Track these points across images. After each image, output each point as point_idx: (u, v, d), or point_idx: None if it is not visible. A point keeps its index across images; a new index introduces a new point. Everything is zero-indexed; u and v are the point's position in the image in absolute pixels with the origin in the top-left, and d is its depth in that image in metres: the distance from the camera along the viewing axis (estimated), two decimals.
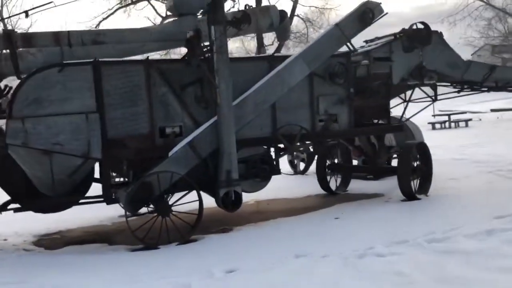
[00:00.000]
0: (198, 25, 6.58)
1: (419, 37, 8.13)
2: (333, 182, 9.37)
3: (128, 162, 6.72)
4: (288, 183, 10.37)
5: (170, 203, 6.55)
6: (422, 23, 8.25)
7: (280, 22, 8.04)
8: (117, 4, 31.69)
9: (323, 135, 7.79)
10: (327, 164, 9.38)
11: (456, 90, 9.81)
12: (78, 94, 6.30)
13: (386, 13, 7.75)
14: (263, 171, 7.22)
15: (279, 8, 7.90)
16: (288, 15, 8.24)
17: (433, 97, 8.95)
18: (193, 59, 6.39)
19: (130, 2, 32.23)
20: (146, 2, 33.33)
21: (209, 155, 6.85)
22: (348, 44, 7.71)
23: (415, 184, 8.13)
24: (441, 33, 8.71)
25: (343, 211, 7.51)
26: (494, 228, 5.56)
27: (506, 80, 9.26)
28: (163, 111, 6.75)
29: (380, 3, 7.73)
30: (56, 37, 6.16)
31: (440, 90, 10.19)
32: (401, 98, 9.32)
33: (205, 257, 5.74)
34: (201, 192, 6.64)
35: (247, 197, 9.03)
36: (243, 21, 6.64)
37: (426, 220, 6.43)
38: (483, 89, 9.42)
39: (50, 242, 7.11)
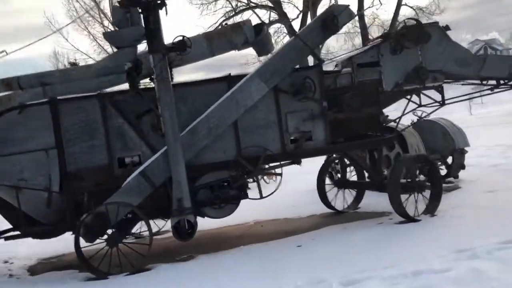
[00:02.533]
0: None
1: (410, 36, 7.14)
2: (344, 199, 8.68)
3: (88, 194, 6.98)
4: (306, 199, 9.85)
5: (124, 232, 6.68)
6: (414, 19, 7.24)
7: (256, 36, 7.70)
8: (222, 17, 33.41)
9: (295, 154, 7.24)
10: (334, 179, 8.74)
11: (489, 87, 8.37)
12: (38, 132, 6.73)
13: (356, 15, 6.95)
14: (226, 195, 6.95)
15: None
16: (266, 27, 7.79)
17: (441, 101, 7.75)
18: (132, 90, 6.42)
19: (233, 14, 33.73)
20: (251, 12, 34.61)
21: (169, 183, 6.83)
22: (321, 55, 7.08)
23: (417, 202, 7.15)
24: (446, 26, 7.53)
25: (316, 237, 6.91)
26: (426, 268, 4.66)
27: None
28: (120, 141, 6.90)
29: (348, 5, 6.96)
30: (7, 83, 6.67)
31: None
32: (415, 103, 8.30)
33: None
34: None
35: (248, 217, 8.87)
36: (180, 48, 6.48)
37: (378, 252, 5.65)
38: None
39: (41, 267, 7.69)
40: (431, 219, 7.05)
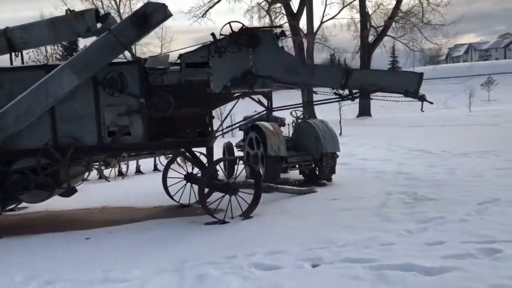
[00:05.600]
0: None
1: (239, 40, 7.09)
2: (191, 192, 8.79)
3: None
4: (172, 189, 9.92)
5: None
6: (240, 23, 7.17)
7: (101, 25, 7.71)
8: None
9: (112, 148, 7.33)
10: (185, 174, 8.83)
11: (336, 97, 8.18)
12: None
13: (171, 15, 6.90)
14: (24, 183, 7.12)
15: None
16: (112, 17, 7.77)
17: (268, 107, 7.71)
18: None
19: None
20: None
21: None
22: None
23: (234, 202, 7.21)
24: (282, 32, 7.43)
25: (115, 231, 7.07)
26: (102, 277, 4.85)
27: (373, 86, 7.51)
28: None
29: (162, 4, 6.90)
30: None
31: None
32: (264, 105, 8.26)
33: None
34: None
35: (103, 202, 9.04)
36: None
37: (115, 258, 5.78)
38: (349, 96, 7.73)
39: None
40: (236, 222, 7.04)
